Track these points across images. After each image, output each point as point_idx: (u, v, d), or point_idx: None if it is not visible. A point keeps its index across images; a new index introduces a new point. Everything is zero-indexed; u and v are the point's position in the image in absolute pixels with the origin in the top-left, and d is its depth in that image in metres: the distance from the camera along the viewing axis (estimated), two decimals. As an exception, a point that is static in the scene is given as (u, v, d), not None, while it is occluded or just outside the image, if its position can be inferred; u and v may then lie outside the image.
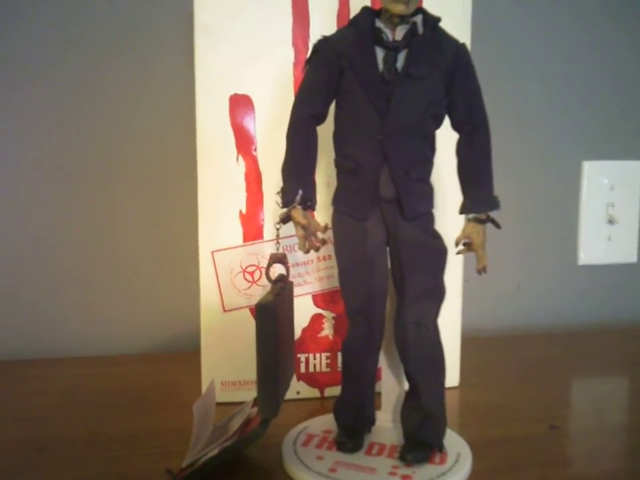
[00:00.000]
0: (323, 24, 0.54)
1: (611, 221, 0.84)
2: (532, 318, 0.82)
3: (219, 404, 0.49)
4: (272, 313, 0.38)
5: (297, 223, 0.42)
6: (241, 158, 0.54)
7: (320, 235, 0.42)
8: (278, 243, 0.43)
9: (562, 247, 0.84)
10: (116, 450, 0.47)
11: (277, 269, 0.44)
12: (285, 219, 0.42)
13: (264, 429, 0.40)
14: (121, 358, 0.70)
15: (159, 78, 0.71)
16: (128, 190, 0.71)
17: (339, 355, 0.57)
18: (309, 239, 0.42)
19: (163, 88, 0.71)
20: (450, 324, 0.57)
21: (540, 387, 0.60)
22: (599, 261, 0.84)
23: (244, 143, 0.54)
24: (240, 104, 0.54)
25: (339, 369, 0.57)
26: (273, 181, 0.55)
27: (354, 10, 0.54)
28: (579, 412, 0.55)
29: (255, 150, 0.54)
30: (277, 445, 0.46)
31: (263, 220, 0.55)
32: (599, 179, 0.83)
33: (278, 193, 0.43)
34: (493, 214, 0.43)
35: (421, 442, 0.44)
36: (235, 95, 0.54)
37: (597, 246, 0.84)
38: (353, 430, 0.46)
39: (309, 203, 0.42)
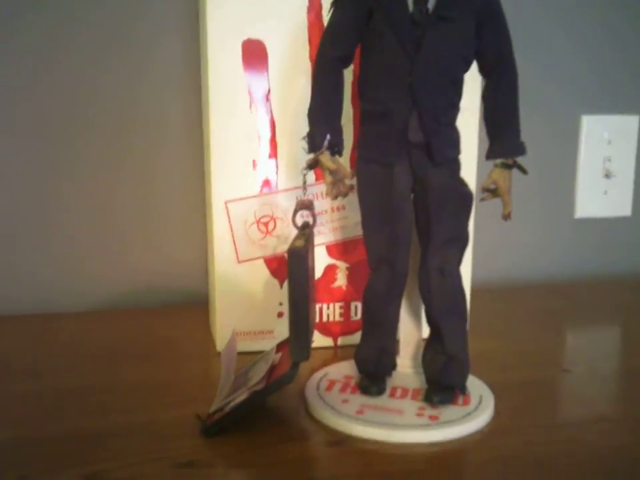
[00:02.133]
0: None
1: (607, 175, 0.85)
2: (530, 269, 0.84)
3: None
4: (303, 259, 0.38)
5: (325, 169, 0.41)
6: (254, 106, 0.53)
7: (348, 180, 0.42)
8: (305, 188, 0.42)
9: (559, 200, 0.85)
10: (137, 399, 0.47)
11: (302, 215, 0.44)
12: (312, 164, 0.41)
13: (295, 372, 0.40)
14: (126, 312, 0.69)
15: (159, 18, 0.68)
16: (131, 137, 0.69)
17: (352, 305, 0.58)
18: (337, 185, 0.42)
19: (165, 31, 0.69)
20: (462, 272, 0.58)
21: (546, 335, 0.62)
22: (595, 214, 0.85)
23: (257, 91, 0.53)
24: (253, 50, 0.52)
25: (352, 319, 0.58)
26: (287, 129, 0.54)
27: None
28: (587, 358, 0.57)
29: (268, 98, 0.53)
30: (298, 391, 0.47)
31: (276, 170, 0.54)
32: (598, 133, 0.84)
33: (304, 138, 0.42)
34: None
35: (444, 384, 0.44)
36: (248, 40, 0.52)
37: (593, 199, 0.85)
38: (375, 375, 0.46)
39: (336, 148, 0.41)
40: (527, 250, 0.84)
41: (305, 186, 0.43)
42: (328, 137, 0.41)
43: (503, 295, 0.75)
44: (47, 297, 0.70)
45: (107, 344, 0.59)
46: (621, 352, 0.59)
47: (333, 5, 0.42)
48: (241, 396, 0.41)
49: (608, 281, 0.84)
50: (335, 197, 0.42)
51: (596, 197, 0.85)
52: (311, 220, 0.43)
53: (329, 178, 0.42)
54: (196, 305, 0.70)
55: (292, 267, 0.38)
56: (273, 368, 0.45)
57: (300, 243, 0.39)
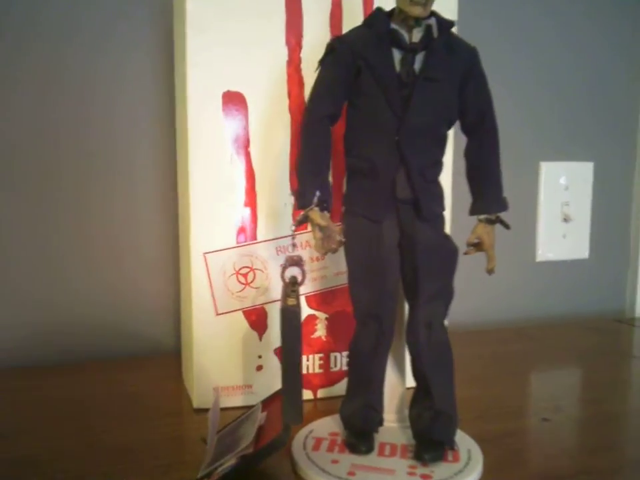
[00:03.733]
0: (316, 23, 0.53)
1: (565, 219, 0.88)
2: (494, 312, 0.85)
3: (209, 409, 0.48)
4: (298, 318, 0.38)
5: (315, 225, 0.41)
6: (234, 157, 0.53)
7: (337, 236, 0.42)
8: (294, 244, 0.42)
9: (521, 245, 0.87)
10: (109, 465, 0.45)
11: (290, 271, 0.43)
12: (301, 221, 0.41)
13: (288, 435, 0.39)
14: (91, 364, 0.66)
15: (136, 71, 0.68)
16: (108, 189, 0.68)
17: (332, 355, 0.57)
18: (326, 241, 0.42)
19: (142, 83, 0.68)
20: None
21: (519, 380, 0.63)
22: (555, 257, 0.88)
23: (237, 141, 0.53)
24: (233, 101, 0.52)
25: (332, 370, 0.57)
26: (266, 180, 0.53)
27: (347, 10, 0.54)
28: (562, 404, 0.57)
29: (249, 149, 0.53)
30: (283, 450, 0.45)
31: (256, 220, 0.54)
32: (556, 179, 0.87)
33: (292, 194, 0.42)
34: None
35: (434, 440, 0.44)
36: (228, 92, 0.52)
37: (553, 243, 0.88)
38: (363, 432, 0.46)
39: (325, 204, 0.41)
40: (491, 293, 0.85)
41: (293, 242, 0.42)
42: (317, 193, 0.41)
43: (471, 339, 0.76)
44: (7, 349, 0.66)
45: (71, 400, 0.56)
46: (593, 397, 0.60)
47: (321, 63, 0.42)
48: (230, 461, 0.40)
49: (570, 322, 0.87)
50: (325, 253, 0.42)
51: (555, 241, 0.88)
52: (299, 277, 0.42)
53: (318, 234, 0.41)
54: (164, 355, 0.68)
55: (286, 327, 0.37)
56: (260, 429, 0.43)
57: (292, 301, 0.39)
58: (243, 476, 0.40)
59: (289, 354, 0.37)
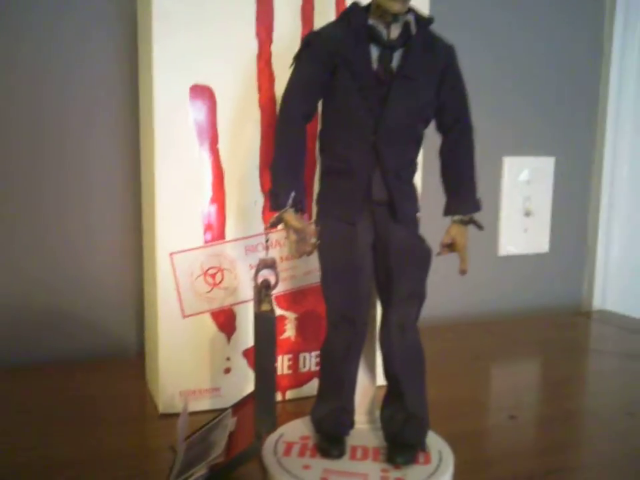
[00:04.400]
0: (287, 16, 0.51)
1: (527, 214, 0.89)
2: (457, 307, 0.86)
3: (175, 414, 0.46)
4: (272, 323, 0.37)
5: (289, 227, 0.40)
6: (201, 152, 0.51)
7: (312, 238, 0.41)
8: (267, 247, 0.41)
9: (483, 239, 0.88)
10: (73, 476, 0.43)
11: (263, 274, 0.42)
12: (275, 222, 0.40)
13: (261, 443, 0.38)
14: (51, 366, 0.63)
15: (97, 54, 0.65)
16: (70, 185, 0.65)
17: (301, 356, 0.56)
18: (300, 243, 0.40)
19: (104, 69, 0.65)
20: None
21: (484, 376, 0.63)
22: (517, 251, 0.89)
23: (205, 136, 0.51)
24: (201, 95, 0.50)
25: (300, 371, 0.56)
26: (235, 177, 0.52)
27: (318, 3, 0.52)
28: (526, 401, 0.58)
29: (217, 145, 0.51)
30: (253, 455, 0.45)
31: (224, 219, 0.52)
32: (518, 174, 0.88)
33: (266, 195, 0.40)
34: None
35: (406, 443, 0.44)
36: (196, 85, 0.50)
37: (515, 237, 0.89)
38: (335, 436, 0.45)
39: (299, 205, 0.40)
40: (453, 288, 0.86)
41: (267, 245, 0.41)
42: (292, 194, 0.40)
43: (432, 334, 0.76)
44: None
45: (31, 406, 0.53)
46: (556, 392, 0.61)
47: (296, 59, 0.41)
48: (201, 470, 0.39)
49: (532, 316, 0.88)
50: (300, 256, 0.41)
51: (517, 235, 0.89)
52: (272, 280, 0.41)
53: (292, 236, 0.40)
54: (126, 356, 0.66)
55: (261, 334, 0.36)
56: (230, 435, 0.42)
57: (267, 306, 0.38)
58: (214, 485, 0.39)
59: (263, 360, 0.36)
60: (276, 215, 0.40)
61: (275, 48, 0.51)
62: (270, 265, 0.41)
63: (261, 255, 0.53)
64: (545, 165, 0.90)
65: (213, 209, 0.51)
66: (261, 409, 0.37)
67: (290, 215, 0.40)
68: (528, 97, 0.87)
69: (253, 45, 0.51)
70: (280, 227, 0.41)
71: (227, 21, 0.50)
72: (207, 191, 0.51)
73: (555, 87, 0.88)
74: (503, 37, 0.84)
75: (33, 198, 0.64)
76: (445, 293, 0.85)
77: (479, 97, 0.83)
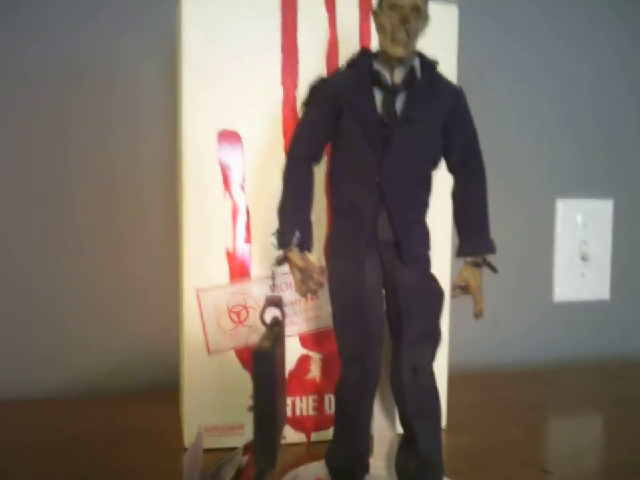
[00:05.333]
0: (312, 64, 0.53)
1: (584, 258, 0.85)
2: (510, 355, 0.83)
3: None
4: (270, 360, 0.37)
5: (293, 266, 0.41)
6: (227, 195, 0.53)
7: (317, 277, 0.41)
8: (273, 285, 0.42)
9: (537, 284, 0.85)
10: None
11: (271, 312, 0.43)
12: (281, 261, 0.41)
13: (260, 481, 0.38)
14: (92, 400, 0.66)
15: (138, 110, 0.70)
16: (106, 225, 0.69)
17: (326, 397, 0.56)
18: (305, 282, 0.41)
19: (143, 121, 0.70)
20: (437, 365, 0.56)
21: (525, 427, 0.60)
22: (573, 297, 0.85)
23: (231, 179, 0.53)
24: (228, 140, 0.53)
25: (326, 413, 0.56)
26: (260, 218, 0.54)
27: (342, 51, 0.54)
28: (566, 454, 0.55)
29: (243, 187, 0.53)
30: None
31: (250, 258, 0.54)
32: (572, 217, 0.85)
33: (274, 234, 0.41)
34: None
35: (418, 490, 0.42)
36: (224, 130, 0.53)
37: (571, 283, 0.85)
38: (347, 479, 0.44)
39: (305, 245, 0.41)
40: (505, 335, 0.83)
41: (274, 283, 0.42)
42: (297, 234, 0.41)
43: (481, 383, 0.74)
44: (7, 383, 0.67)
45: (69, 434, 0.56)
46: (603, 447, 0.57)
47: (305, 105, 0.42)
48: (203, 505, 0.39)
49: (588, 366, 0.83)
50: (305, 295, 0.42)
51: (573, 280, 0.85)
52: (280, 316, 0.42)
53: (297, 275, 0.41)
54: (167, 392, 0.68)
55: (257, 369, 0.37)
56: (240, 472, 0.43)
57: (267, 343, 0.38)
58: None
59: (260, 396, 0.37)
60: (281, 253, 0.41)
61: (299, 94, 0.53)
62: (276, 302, 0.42)
63: (285, 294, 0.54)
64: (603, 208, 0.86)
65: (238, 248, 0.53)
66: (259, 445, 0.37)
67: (294, 254, 0.40)
68: (583, 136, 0.84)
69: (278, 92, 0.53)
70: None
71: (253, 70, 0.52)
72: (233, 231, 0.53)
73: (612, 124, 0.85)
74: (557, 73, 0.83)
75: (95, 236, 0.69)
76: (497, 339, 0.82)
77: (529, 136, 0.82)
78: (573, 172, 0.85)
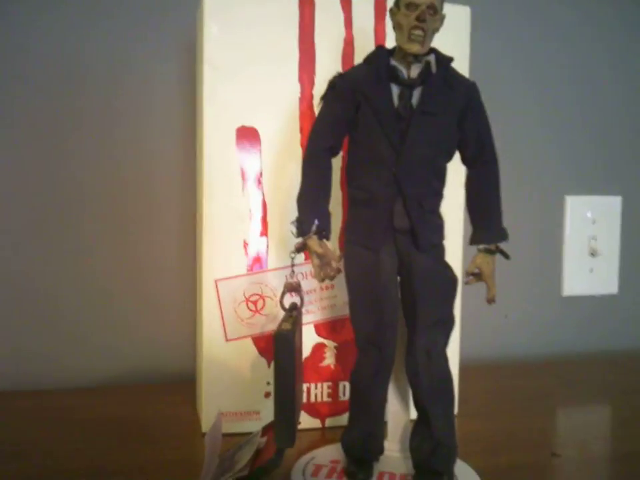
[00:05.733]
0: (329, 61, 0.55)
1: (593, 254, 0.86)
2: (519, 347, 0.84)
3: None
4: (290, 342, 0.39)
5: (312, 252, 0.42)
6: (246, 188, 0.55)
7: (335, 263, 0.43)
8: (292, 271, 0.43)
9: (546, 279, 0.86)
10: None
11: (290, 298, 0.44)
12: (300, 248, 0.43)
13: (280, 458, 0.40)
14: (111, 389, 0.68)
15: (158, 103, 0.71)
16: (124, 215, 0.71)
17: (340, 384, 0.57)
18: (324, 268, 0.43)
19: (162, 114, 0.71)
20: (449, 354, 0.58)
21: (535, 415, 0.62)
22: (581, 292, 0.87)
23: (249, 173, 0.55)
24: (246, 136, 0.55)
25: (340, 399, 0.57)
26: (276, 211, 0.55)
27: (358, 49, 0.56)
28: (575, 440, 0.56)
29: (260, 181, 0.55)
30: (283, 476, 0.46)
31: (266, 249, 0.55)
32: (582, 213, 0.86)
33: (293, 223, 0.43)
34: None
35: (432, 471, 0.44)
36: (242, 127, 0.54)
37: (579, 277, 0.86)
38: (362, 460, 0.46)
39: (323, 232, 0.43)
40: (515, 328, 0.84)
41: (292, 268, 0.44)
42: (316, 222, 0.42)
43: (492, 373, 0.75)
44: (31, 374, 0.69)
45: (90, 424, 0.58)
46: (611, 434, 0.59)
47: (323, 98, 0.44)
48: (225, 482, 0.41)
49: (596, 359, 0.84)
50: (322, 280, 0.43)
51: (582, 275, 0.87)
52: (298, 301, 0.43)
53: (316, 261, 0.43)
54: (184, 383, 0.69)
55: (278, 350, 0.38)
56: (258, 452, 0.44)
57: (287, 325, 0.40)
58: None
59: (280, 377, 0.38)
60: (300, 241, 0.42)
61: (316, 91, 0.55)
62: (295, 288, 0.43)
63: (302, 283, 0.55)
64: (611, 204, 0.87)
65: (256, 239, 0.55)
66: (280, 424, 0.39)
67: (313, 241, 0.42)
68: (592, 133, 0.86)
69: (295, 89, 0.55)
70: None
71: (271, 68, 0.54)
72: (251, 223, 0.55)
73: (620, 122, 0.87)
74: (565, 69, 0.84)
75: (107, 224, 0.71)
76: (507, 332, 0.83)
77: (539, 134, 0.83)
78: (582, 169, 0.86)
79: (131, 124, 0.71)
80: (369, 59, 0.44)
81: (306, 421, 0.57)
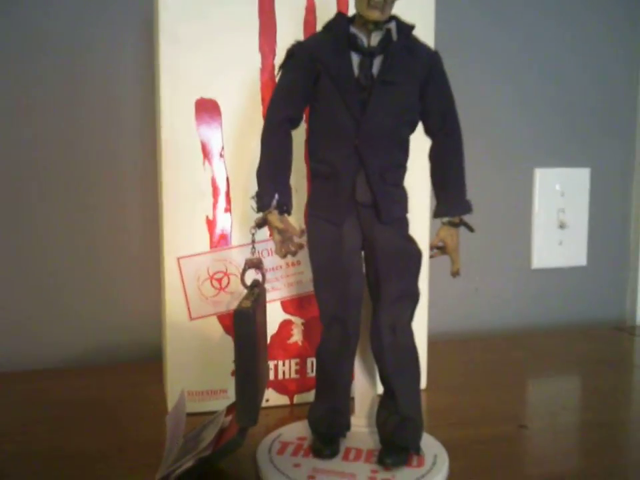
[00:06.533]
0: (290, 30, 0.53)
1: (561, 226, 0.87)
2: (489, 321, 0.84)
3: (186, 414, 0.48)
4: (251, 319, 0.38)
5: (273, 228, 0.41)
6: (207, 163, 0.53)
7: (296, 239, 0.42)
8: (253, 247, 0.42)
9: (516, 252, 0.86)
10: (79, 467, 0.45)
11: (251, 274, 0.43)
12: (260, 223, 0.41)
13: (243, 437, 0.39)
14: (78, 370, 0.67)
15: (116, 80, 0.69)
16: (85, 194, 0.69)
17: (308, 361, 0.57)
18: (285, 244, 0.42)
19: (121, 87, 0.69)
20: (417, 328, 0.57)
21: (504, 388, 0.62)
22: (551, 264, 0.87)
23: (210, 148, 0.53)
24: (206, 109, 0.53)
25: (308, 376, 0.57)
26: (240, 185, 0.54)
27: (320, 17, 0.54)
28: (543, 411, 0.57)
29: (222, 155, 0.53)
30: (250, 454, 0.46)
31: (230, 225, 0.54)
32: (551, 186, 0.86)
33: (253, 197, 0.42)
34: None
35: (398, 445, 0.44)
36: (201, 99, 0.53)
37: (549, 250, 0.87)
38: (328, 436, 0.45)
39: (284, 207, 0.42)
40: (484, 301, 0.84)
41: (253, 245, 0.42)
42: (276, 196, 0.41)
43: (461, 347, 0.75)
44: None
45: (55, 405, 0.57)
46: (579, 405, 0.59)
47: (281, 68, 0.43)
48: (188, 462, 0.40)
49: (566, 330, 0.85)
50: (284, 256, 0.42)
51: (551, 248, 0.87)
52: (260, 278, 0.42)
53: (277, 237, 0.42)
54: (151, 361, 0.68)
55: (238, 328, 0.37)
56: (222, 432, 0.43)
57: (247, 303, 0.39)
58: (199, 477, 0.40)
59: (242, 355, 0.37)
60: (260, 215, 0.41)
61: (278, 61, 0.53)
62: (256, 264, 0.42)
63: (267, 260, 0.54)
64: (580, 177, 0.87)
65: (219, 215, 0.54)
66: (241, 402, 0.38)
67: (273, 216, 0.41)
68: (560, 105, 0.85)
69: (256, 59, 0.53)
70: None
71: (230, 37, 0.52)
72: (214, 198, 0.53)
73: (589, 94, 0.86)
74: (535, 42, 0.83)
75: (64, 202, 0.69)
76: (477, 305, 0.84)
77: (508, 106, 0.83)
78: (551, 141, 0.86)
79: (92, 101, 0.68)
80: (328, 27, 0.42)
81: (274, 397, 0.56)
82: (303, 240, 0.43)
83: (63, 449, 0.48)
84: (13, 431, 0.52)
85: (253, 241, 0.42)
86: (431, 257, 0.45)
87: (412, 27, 0.42)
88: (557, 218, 0.87)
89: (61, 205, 0.68)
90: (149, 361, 0.69)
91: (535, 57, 0.83)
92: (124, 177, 0.70)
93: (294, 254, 0.42)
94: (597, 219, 0.88)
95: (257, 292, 0.41)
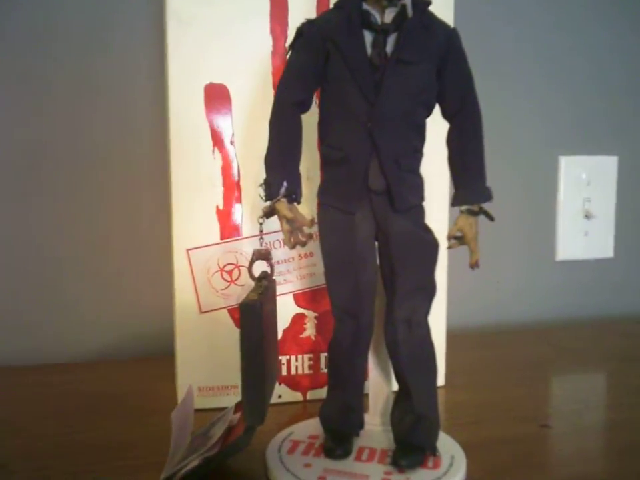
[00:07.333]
0: (302, 11, 0.51)
1: (587, 216, 0.83)
2: (512, 314, 0.82)
3: (196, 411, 0.46)
4: (257, 313, 0.36)
5: (281, 217, 0.39)
6: (217, 151, 0.51)
7: (306, 229, 0.40)
8: (261, 238, 0.40)
9: (540, 243, 0.83)
10: (87, 463, 0.44)
11: (260, 266, 0.42)
12: (268, 213, 0.39)
13: (249, 437, 0.37)
14: (90, 364, 0.66)
15: (127, 68, 0.68)
16: (94, 186, 0.68)
17: (322, 356, 0.55)
18: (294, 234, 0.40)
19: (132, 77, 0.68)
20: (435, 322, 0.55)
21: (526, 385, 0.59)
22: (576, 256, 0.84)
23: (220, 135, 0.51)
24: (215, 94, 0.51)
25: (322, 371, 0.55)
26: (251, 174, 0.52)
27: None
28: (567, 410, 0.54)
29: (232, 142, 0.52)
30: (260, 453, 0.44)
31: (241, 216, 0.52)
32: (576, 174, 0.83)
33: (261, 185, 0.40)
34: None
35: (413, 445, 0.42)
36: (211, 84, 0.51)
37: (574, 241, 0.84)
38: (341, 435, 0.43)
39: (293, 196, 0.40)
40: (507, 293, 0.82)
41: (261, 235, 0.40)
42: (285, 184, 0.39)
43: (481, 341, 0.73)
44: (7, 350, 0.66)
45: (64, 399, 0.56)
46: (604, 403, 0.56)
47: (290, 48, 0.41)
48: (193, 462, 0.38)
49: (591, 324, 0.82)
50: (293, 246, 0.40)
51: (577, 239, 0.84)
52: (269, 270, 0.41)
53: (285, 226, 0.40)
54: (163, 355, 0.67)
55: (244, 322, 0.36)
56: (231, 429, 0.42)
57: (253, 295, 0.37)
58: (205, 476, 0.38)
59: (248, 351, 0.36)
60: (268, 204, 0.39)
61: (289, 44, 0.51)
62: (264, 255, 0.40)
63: (278, 252, 0.53)
64: (607, 165, 0.84)
65: (229, 205, 0.52)
66: (248, 401, 0.37)
67: (282, 205, 0.39)
68: (587, 91, 0.82)
69: (267, 42, 0.51)
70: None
71: (240, 19, 0.50)
72: (224, 188, 0.52)
73: (616, 80, 0.83)
74: (562, 25, 0.79)
75: (74, 195, 0.67)
76: (498, 298, 0.81)
77: (531, 92, 0.79)
78: (577, 128, 0.82)
79: (104, 91, 0.67)
80: (339, 4, 0.40)
81: (286, 394, 0.55)
82: (313, 230, 0.41)
83: (72, 444, 0.47)
84: (23, 425, 0.51)
85: (261, 231, 0.40)
86: (449, 247, 0.43)
87: (428, 3, 0.39)
88: (583, 208, 0.83)
89: (70, 198, 0.67)
90: (160, 355, 0.67)
91: (563, 37, 0.80)
92: (134, 169, 0.68)
93: (303, 244, 0.40)
94: (625, 208, 0.85)
95: (264, 284, 0.39)
